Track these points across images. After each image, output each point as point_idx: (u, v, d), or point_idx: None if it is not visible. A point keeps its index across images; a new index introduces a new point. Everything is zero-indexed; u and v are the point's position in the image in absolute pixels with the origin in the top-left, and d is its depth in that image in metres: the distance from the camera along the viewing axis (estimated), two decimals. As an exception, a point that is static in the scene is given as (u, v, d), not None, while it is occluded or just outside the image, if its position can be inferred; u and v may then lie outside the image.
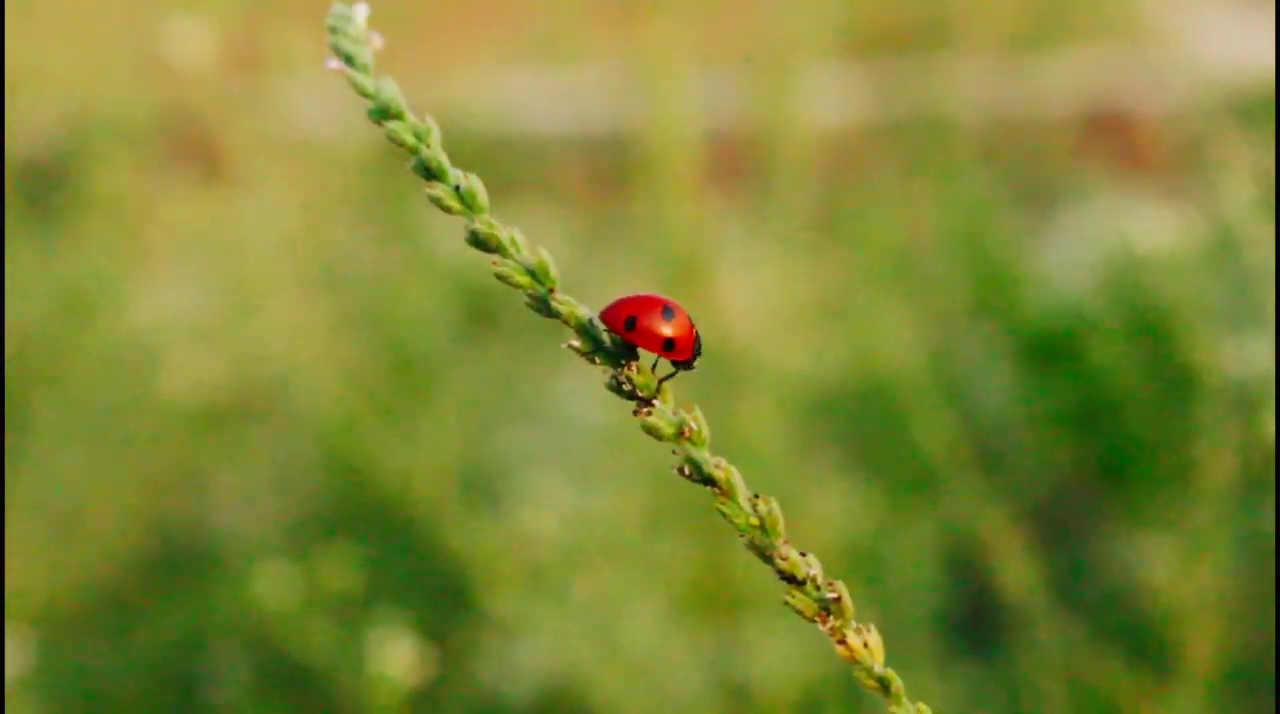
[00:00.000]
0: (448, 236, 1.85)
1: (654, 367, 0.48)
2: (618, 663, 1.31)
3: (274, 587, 1.24)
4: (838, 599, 0.47)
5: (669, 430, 0.47)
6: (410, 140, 0.48)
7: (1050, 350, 1.60)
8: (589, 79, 2.34)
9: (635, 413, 0.47)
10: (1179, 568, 1.23)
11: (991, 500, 1.27)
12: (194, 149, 1.90)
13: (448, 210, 0.48)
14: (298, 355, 1.61)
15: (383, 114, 0.48)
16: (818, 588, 0.47)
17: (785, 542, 0.47)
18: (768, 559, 0.47)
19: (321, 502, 1.70)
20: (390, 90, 0.48)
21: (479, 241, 0.48)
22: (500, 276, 0.48)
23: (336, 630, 1.23)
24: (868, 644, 0.47)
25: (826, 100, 1.87)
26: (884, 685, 0.47)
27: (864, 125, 2.22)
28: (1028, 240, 1.85)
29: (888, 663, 0.48)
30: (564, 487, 1.49)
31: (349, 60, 0.48)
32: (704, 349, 0.50)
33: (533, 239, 0.48)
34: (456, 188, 0.48)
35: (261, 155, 1.76)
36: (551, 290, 0.48)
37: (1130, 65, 2.49)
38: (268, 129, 1.84)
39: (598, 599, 1.36)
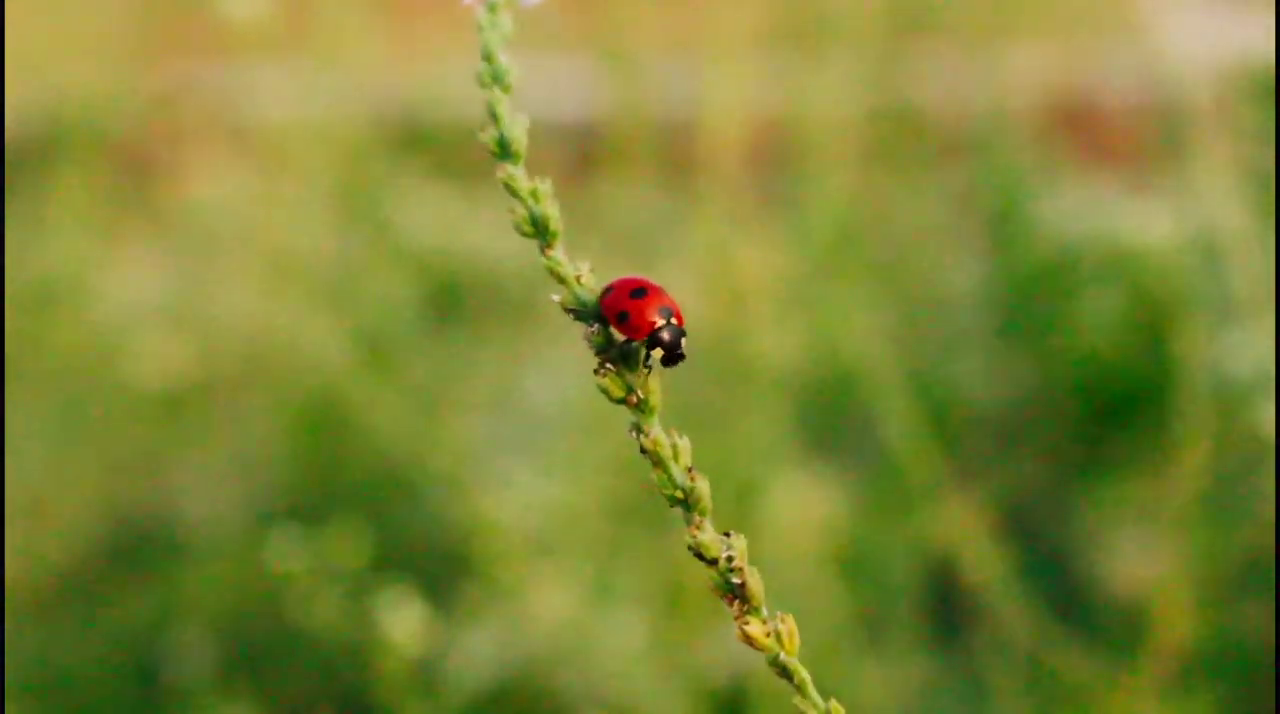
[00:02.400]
0: (417, 222, 1.85)
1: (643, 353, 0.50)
2: (590, 649, 1.30)
3: (274, 559, 1.24)
4: (742, 585, 0.48)
5: (618, 393, 0.49)
6: (502, 113, 0.51)
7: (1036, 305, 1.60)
8: (563, 65, 2.33)
9: (595, 371, 0.50)
10: (1155, 558, 1.23)
11: (965, 491, 1.27)
12: (160, 133, 1.89)
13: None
14: (263, 340, 1.61)
15: (494, 80, 0.51)
16: (731, 570, 0.48)
17: (701, 521, 0.48)
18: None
19: (286, 487, 1.70)
20: (510, 64, 0.51)
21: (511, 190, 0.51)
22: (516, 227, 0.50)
23: (329, 607, 1.22)
24: (778, 633, 0.48)
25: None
26: (787, 675, 0.48)
27: (832, 115, 2.22)
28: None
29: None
30: (532, 474, 1.49)
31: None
32: (681, 349, 0.51)
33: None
34: (500, 136, 0.51)
35: (229, 138, 1.75)
36: (549, 244, 0.50)
37: (1099, 56, 2.50)
38: (236, 112, 1.83)
39: (569, 585, 1.36)
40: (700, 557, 0.48)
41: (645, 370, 0.50)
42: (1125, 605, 1.34)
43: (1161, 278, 1.26)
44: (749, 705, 1.28)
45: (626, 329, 0.50)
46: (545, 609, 1.32)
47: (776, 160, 1.78)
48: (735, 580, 0.48)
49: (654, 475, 0.48)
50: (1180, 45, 2.10)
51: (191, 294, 1.85)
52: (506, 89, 0.51)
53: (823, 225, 1.73)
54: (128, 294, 1.89)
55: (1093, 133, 2.40)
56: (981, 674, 1.30)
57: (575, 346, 0.51)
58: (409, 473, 1.44)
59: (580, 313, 0.50)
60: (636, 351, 0.50)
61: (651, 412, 0.49)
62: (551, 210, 0.50)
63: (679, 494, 0.48)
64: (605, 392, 0.49)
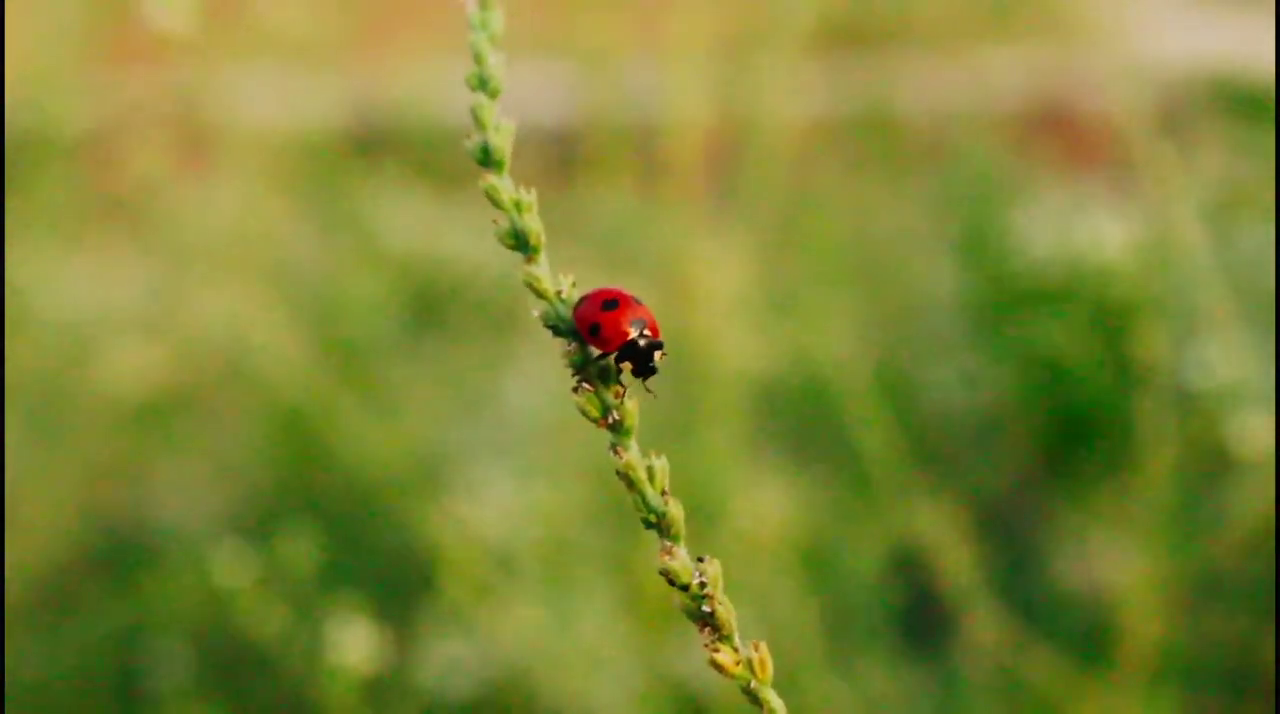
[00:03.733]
0: (394, 227, 1.84)
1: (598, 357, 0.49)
2: (562, 658, 1.30)
3: (221, 572, 1.23)
4: (711, 614, 0.47)
5: (594, 413, 0.48)
6: (488, 120, 0.50)
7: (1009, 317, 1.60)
8: (538, 71, 2.33)
9: (573, 389, 0.49)
10: (1123, 563, 1.23)
11: (936, 496, 1.27)
12: (138, 137, 1.88)
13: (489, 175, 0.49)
14: (241, 345, 1.60)
15: (481, 85, 0.50)
16: (703, 596, 0.47)
17: (673, 546, 0.47)
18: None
19: (263, 494, 1.69)
20: (498, 67, 0.50)
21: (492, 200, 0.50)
22: (497, 237, 0.50)
23: (283, 619, 1.22)
24: (751, 662, 0.47)
25: (779, 96, 1.86)
26: (758, 703, 0.47)
27: (814, 121, 2.22)
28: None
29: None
30: (508, 480, 1.49)
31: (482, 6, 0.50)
32: (654, 364, 0.50)
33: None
34: (484, 145, 0.49)
35: (207, 143, 1.75)
36: (531, 258, 0.49)
37: (1078, 62, 2.50)
38: (213, 117, 1.83)
39: (542, 594, 1.35)
40: (671, 582, 0.47)
41: (621, 389, 0.49)
42: (1096, 609, 1.34)
43: (1125, 289, 1.26)
44: (726, 706, 1.27)
45: (599, 342, 0.49)
46: (521, 618, 1.32)
47: (748, 165, 1.77)
48: (706, 608, 0.47)
49: (629, 497, 0.48)
50: (1158, 50, 2.10)
51: (167, 300, 1.84)
52: (493, 94, 0.50)
53: (795, 229, 1.73)
54: (102, 300, 1.88)
55: (1073, 137, 2.40)
56: (954, 678, 1.30)
57: (554, 350, 0.50)
58: (385, 480, 1.44)
59: (559, 328, 0.49)
60: (613, 369, 0.49)
61: (628, 432, 0.48)
62: (534, 224, 0.49)
63: (652, 517, 0.48)
64: (583, 411, 0.49)
